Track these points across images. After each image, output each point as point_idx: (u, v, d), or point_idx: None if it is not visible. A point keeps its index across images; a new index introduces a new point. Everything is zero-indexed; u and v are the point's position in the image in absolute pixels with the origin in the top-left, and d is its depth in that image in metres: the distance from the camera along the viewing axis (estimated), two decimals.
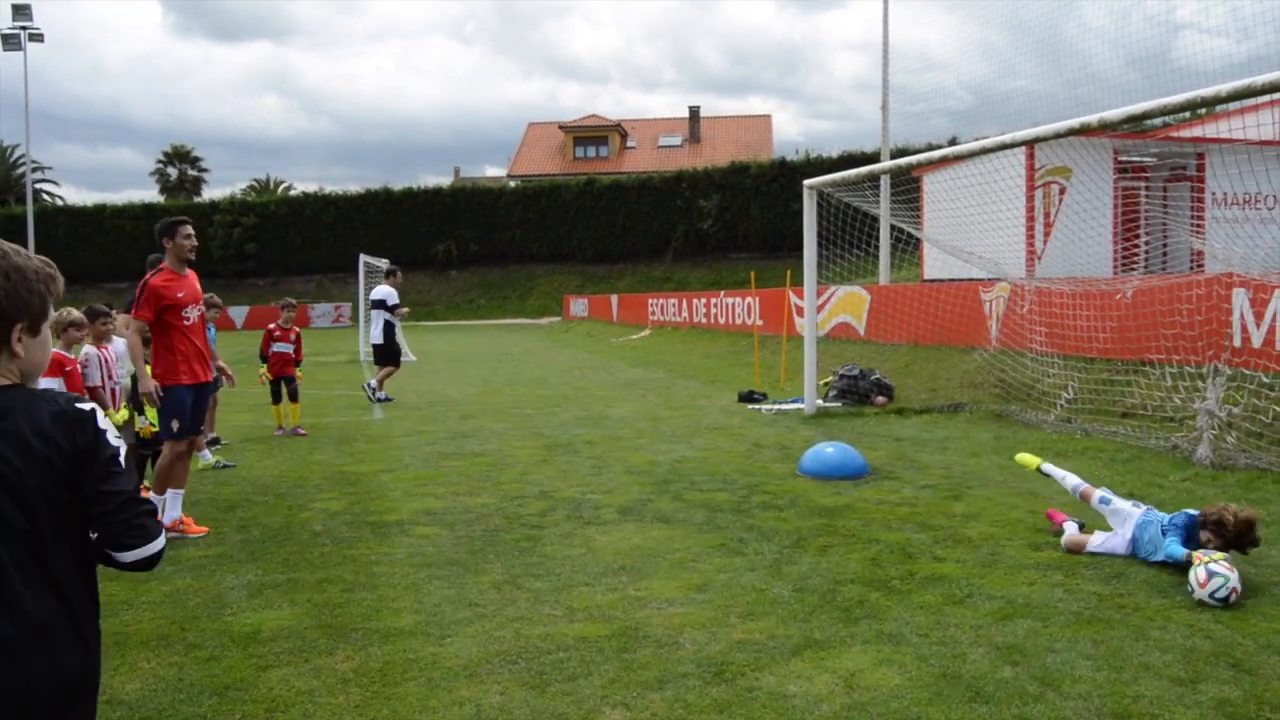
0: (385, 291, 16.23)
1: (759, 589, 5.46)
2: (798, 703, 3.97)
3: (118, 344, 8.28)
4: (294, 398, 12.32)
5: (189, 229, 7.09)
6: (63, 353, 7.56)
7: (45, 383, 7.34)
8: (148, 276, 6.95)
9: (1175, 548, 5.41)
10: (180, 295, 6.94)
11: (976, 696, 3.98)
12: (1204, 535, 5.44)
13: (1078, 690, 4.02)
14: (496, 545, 6.54)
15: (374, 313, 16.17)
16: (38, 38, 50.91)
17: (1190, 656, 4.33)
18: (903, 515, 7.13)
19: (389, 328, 15.90)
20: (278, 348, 12.29)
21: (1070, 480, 6.66)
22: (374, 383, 15.28)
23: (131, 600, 5.48)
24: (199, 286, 7.28)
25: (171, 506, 6.99)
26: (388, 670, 4.39)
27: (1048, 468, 6.97)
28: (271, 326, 12.44)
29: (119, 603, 5.43)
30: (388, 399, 15.43)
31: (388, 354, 15.84)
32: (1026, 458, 7.27)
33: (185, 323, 6.99)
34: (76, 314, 7.77)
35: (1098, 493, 6.30)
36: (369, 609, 5.25)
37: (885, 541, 6.39)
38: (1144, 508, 6.00)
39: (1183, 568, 5.30)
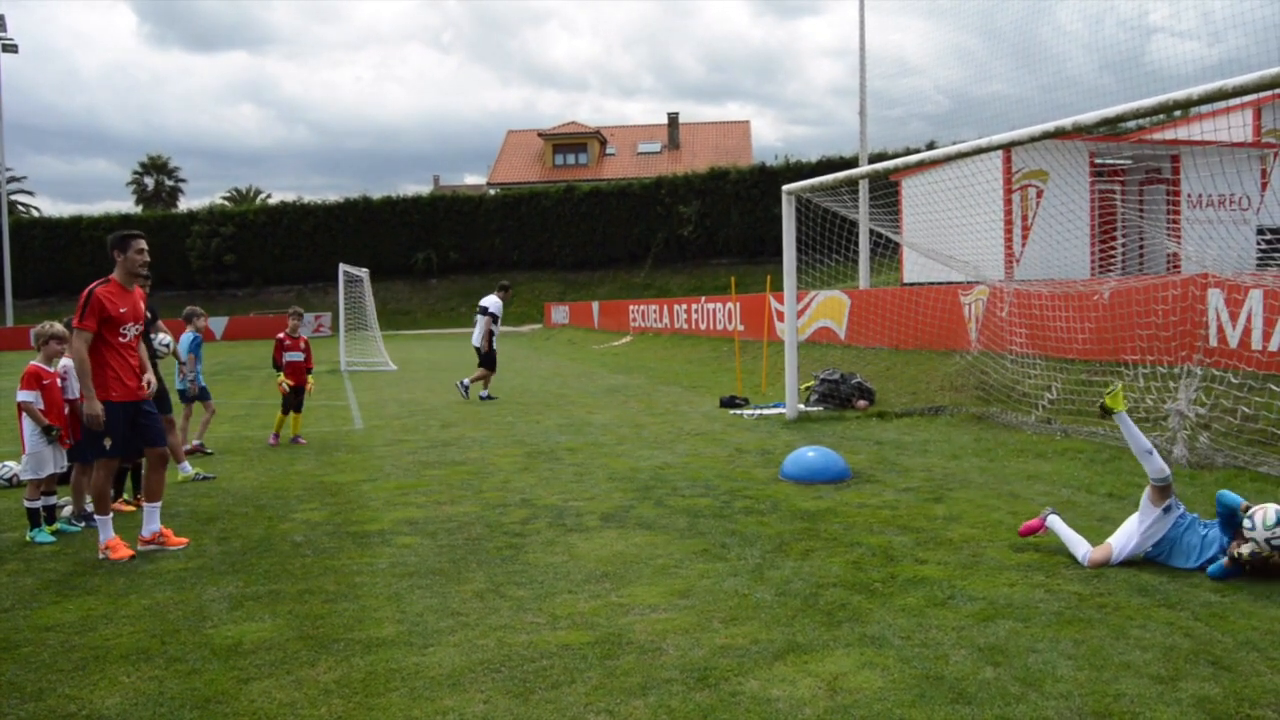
0: (493, 302, 17.18)
1: (741, 594, 5.46)
2: (781, 707, 3.98)
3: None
4: (297, 408, 12.41)
5: (142, 244, 6.87)
6: (42, 366, 7.49)
7: (24, 396, 7.32)
8: (94, 285, 6.73)
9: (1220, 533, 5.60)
10: (121, 311, 6.72)
11: (959, 698, 4.00)
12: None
13: (1059, 690, 4.04)
14: (478, 554, 6.52)
15: (478, 318, 17.08)
16: (12, 48, 50.56)
17: (1170, 655, 4.37)
18: (884, 518, 7.16)
19: (490, 335, 16.94)
20: (290, 356, 12.35)
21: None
22: (466, 381, 16.98)
23: (111, 614, 5.43)
24: (143, 306, 7.07)
25: (150, 519, 6.92)
26: (370, 681, 4.37)
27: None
28: (281, 335, 12.47)
29: (98, 617, 5.38)
30: (489, 397, 16.66)
31: (488, 358, 16.91)
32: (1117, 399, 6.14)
33: (121, 339, 6.76)
34: (58, 327, 7.71)
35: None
36: (351, 619, 5.22)
37: (867, 545, 6.41)
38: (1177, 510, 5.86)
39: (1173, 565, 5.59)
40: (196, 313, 11.71)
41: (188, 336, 11.30)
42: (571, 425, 13.10)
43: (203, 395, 11.46)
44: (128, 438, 6.81)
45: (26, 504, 7.35)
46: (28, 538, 7.27)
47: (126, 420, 6.75)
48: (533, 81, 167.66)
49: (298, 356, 12.40)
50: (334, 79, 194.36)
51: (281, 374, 12.35)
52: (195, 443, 11.33)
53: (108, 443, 6.70)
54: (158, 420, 7.07)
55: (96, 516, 6.87)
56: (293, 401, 12.33)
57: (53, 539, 7.26)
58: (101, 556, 6.65)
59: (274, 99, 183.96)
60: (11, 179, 70.84)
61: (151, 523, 6.92)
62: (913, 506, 7.53)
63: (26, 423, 7.39)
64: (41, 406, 7.37)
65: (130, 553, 6.69)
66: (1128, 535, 5.80)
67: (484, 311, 16.99)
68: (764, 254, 48.00)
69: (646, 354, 26.29)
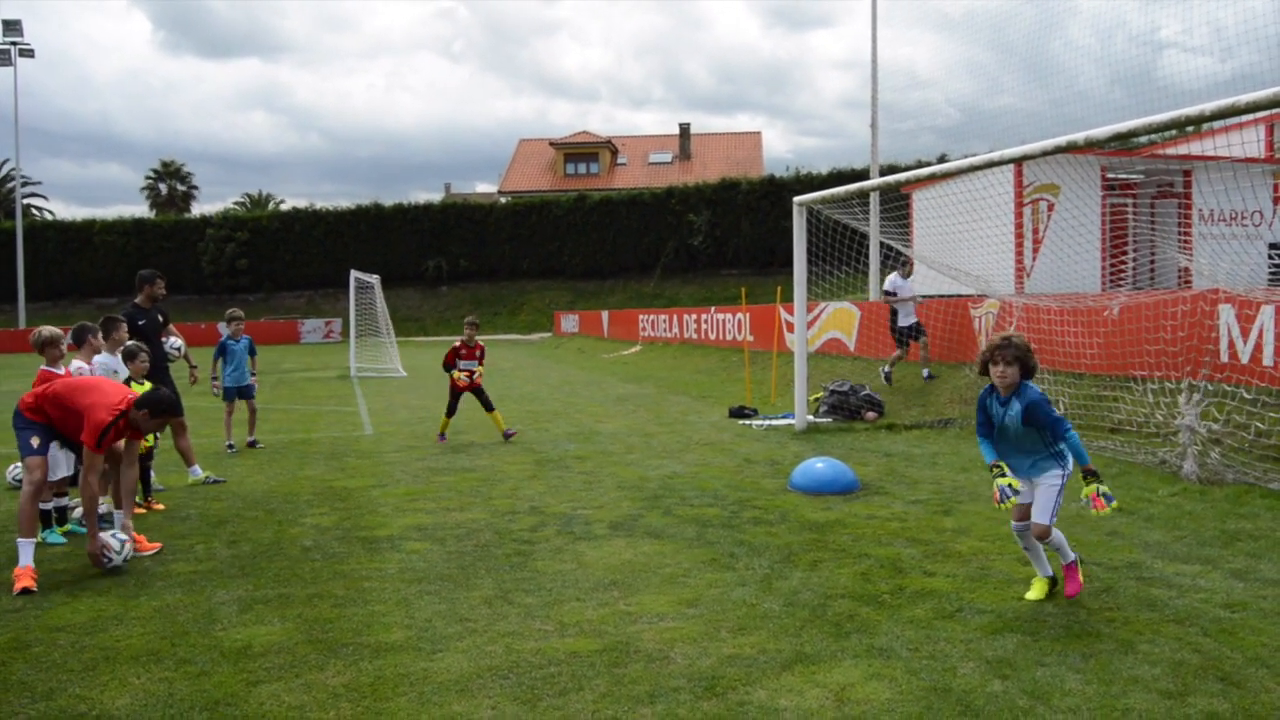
0: (891, 282, 15.61)
1: (750, 604, 5.47)
2: (789, 717, 3.98)
3: (98, 360, 8.26)
4: (489, 407, 12.69)
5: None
6: (50, 369, 7.54)
7: None
8: (119, 421, 6.48)
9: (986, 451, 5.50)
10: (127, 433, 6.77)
11: (966, 710, 4.00)
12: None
13: (1067, 704, 4.03)
14: (487, 560, 6.53)
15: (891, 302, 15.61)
16: (28, 53, 51.01)
17: (1179, 670, 4.36)
18: (893, 530, 7.16)
19: (894, 313, 15.51)
20: (464, 365, 12.58)
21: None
22: (888, 370, 15.35)
23: (121, 615, 5.46)
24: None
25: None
26: (378, 685, 4.38)
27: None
28: (458, 344, 12.72)
29: (109, 618, 5.41)
30: (931, 377, 15.15)
31: (904, 334, 15.33)
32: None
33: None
34: (55, 331, 7.76)
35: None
36: (360, 624, 5.24)
37: (875, 556, 6.41)
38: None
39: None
40: (235, 315, 12.53)
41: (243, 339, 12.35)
42: (581, 434, 13.12)
43: (244, 393, 12.29)
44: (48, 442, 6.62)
45: (39, 505, 7.38)
46: (39, 538, 7.31)
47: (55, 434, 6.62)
48: (544, 91, 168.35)
49: (472, 364, 12.62)
50: (346, 87, 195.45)
51: (456, 372, 12.60)
52: (250, 439, 12.32)
53: (35, 442, 6.51)
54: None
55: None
56: (456, 406, 12.65)
57: (64, 540, 7.30)
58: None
59: (286, 106, 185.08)
60: (26, 183, 71.32)
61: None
62: (921, 519, 7.52)
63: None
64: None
65: (156, 545, 6.99)
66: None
67: (890, 295, 15.38)
68: (774, 265, 48.00)
69: (656, 363, 26.30)
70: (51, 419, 6.58)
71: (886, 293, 15.65)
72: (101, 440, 6.36)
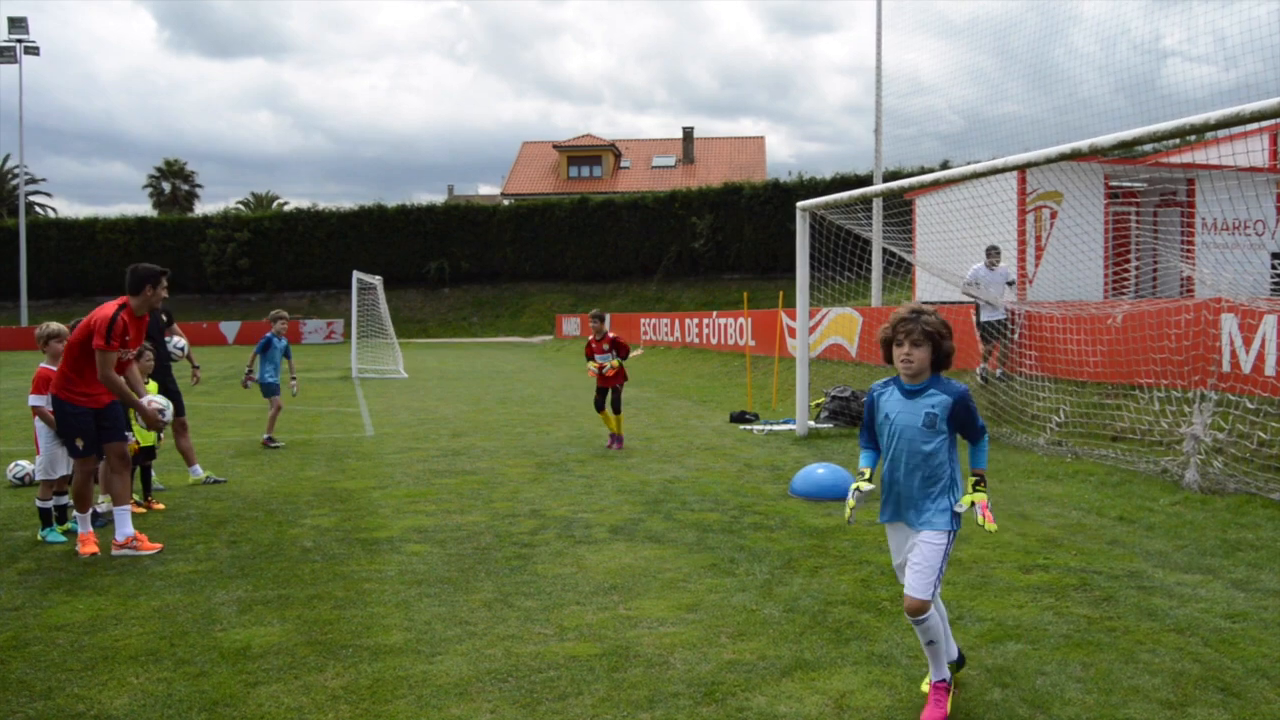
0: (974, 273, 14.31)
1: (750, 609, 5.46)
2: None
3: None
4: (616, 408, 12.15)
5: (165, 282, 7.19)
6: (49, 367, 7.55)
7: (35, 400, 7.39)
8: (118, 310, 6.83)
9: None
10: (128, 338, 6.94)
11: (967, 719, 3.99)
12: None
13: (1067, 713, 4.03)
14: (487, 563, 6.53)
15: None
16: (33, 51, 51.08)
17: (1179, 680, 4.35)
18: None
19: (976, 309, 14.22)
20: (600, 359, 12.19)
21: None
22: (985, 366, 13.98)
23: (120, 615, 5.45)
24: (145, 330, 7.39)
25: (120, 523, 6.96)
26: (378, 688, 4.38)
27: None
28: (590, 340, 12.33)
29: (108, 618, 5.41)
30: (987, 382, 13.78)
31: (986, 330, 14.01)
32: None
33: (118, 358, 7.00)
34: (59, 326, 7.77)
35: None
36: (359, 626, 5.23)
37: (876, 563, 6.40)
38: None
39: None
40: (279, 315, 12.98)
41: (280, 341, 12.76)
42: (581, 437, 13.11)
43: (268, 391, 12.72)
44: (97, 438, 7.06)
45: (39, 504, 7.40)
46: (39, 537, 7.32)
47: (94, 423, 7.02)
48: (547, 94, 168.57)
49: (606, 359, 12.17)
50: (350, 87, 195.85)
51: (590, 364, 12.28)
52: (264, 437, 12.61)
53: (80, 443, 6.96)
54: (120, 420, 7.23)
55: (75, 514, 7.07)
56: (604, 401, 12.20)
57: (64, 539, 7.30)
58: (127, 552, 6.84)
59: (290, 106, 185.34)
60: (30, 180, 71.42)
61: (123, 526, 6.95)
62: None
63: (39, 424, 7.45)
64: (52, 409, 7.42)
65: (157, 546, 7.02)
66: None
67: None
68: (776, 270, 48.02)
69: (657, 367, 26.30)
70: (84, 388, 6.95)
71: (967, 283, 14.29)
72: (110, 332, 6.69)
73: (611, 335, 12.31)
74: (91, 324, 6.76)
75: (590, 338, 12.32)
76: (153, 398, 7.18)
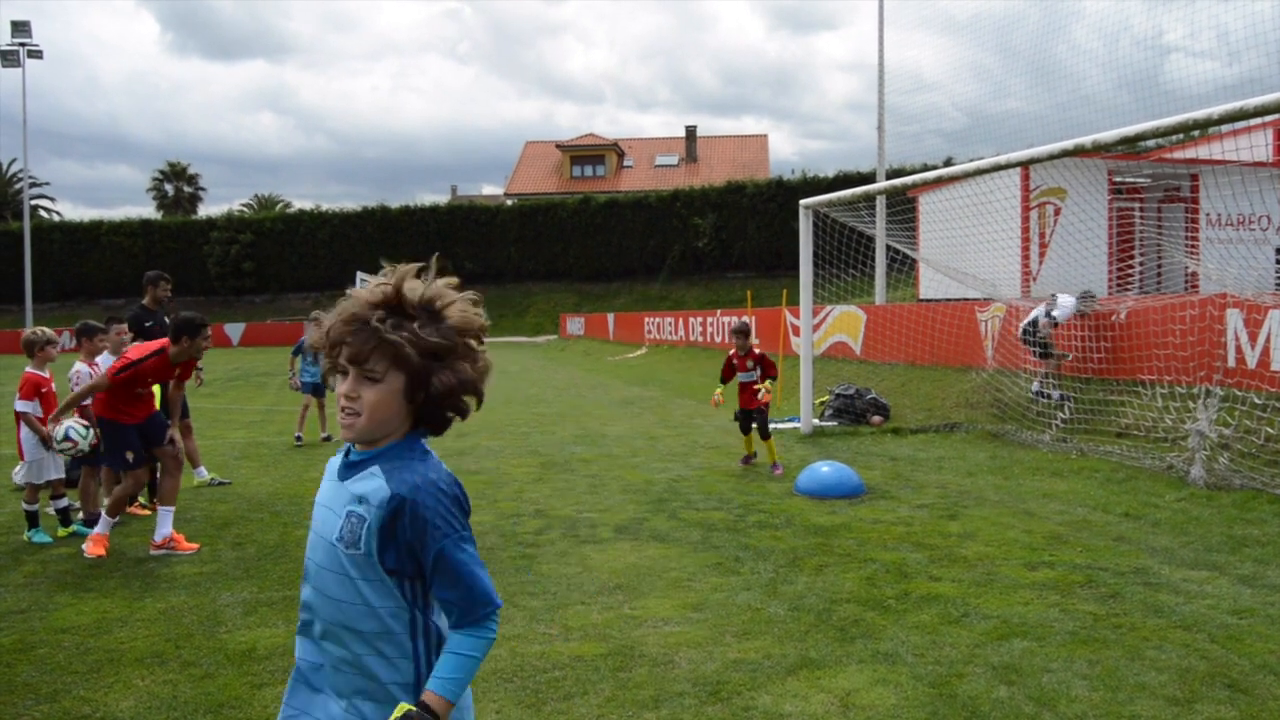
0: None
1: (755, 608, 5.45)
2: None
3: (101, 361, 8.26)
4: (764, 434, 10.29)
5: (209, 332, 7.31)
6: (38, 372, 7.54)
7: (22, 405, 7.39)
8: (147, 357, 6.98)
9: None
10: (149, 380, 7.16)
11: (972, 716, 3.98)
12: None
13: (1074, 710, 4.02)
14: (492, 563, 6.52)
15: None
16: (36, 54, 51.13)
17: (1186, 676, 4.34)
18: (898, 535, 7.14)
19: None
20: (742, 377, 10.44)
21: None
22: (1038, 384, 12.45)
23: (126, 617, 5.46)
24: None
25: (162, 523, 7.00)
26: None
27: None
28: (731, 354, 10.55)
29: (113, 620, 5.41)
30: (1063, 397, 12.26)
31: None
32: None
33: (138, 390, 7.16)
34: (49, 332, 7.76)
35: None
36: None
37: (881, 561, 6.39)
38: None
39: None
40: (316, 317, 12.71)
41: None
42: (586, 436, 13.11)
43: (318, 391, 12.94)
44: (143, 451, 7.24)
45: (25, 507, 7.44)
46: (25, 537, 7.36)
47: (139, 435, 7.20)
48: (549, 93, 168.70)
49: (750, 377, 10.37)
50: (352, 88, 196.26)
51: (722, 386, 10.66)
52: (323, 434, 13.06)
53: (130, 456, 7.09)
54: (162, 428, 7.37)
55: (105, 516, 7.06)
56: (750, 424, 10.44)
57: (49, 539, 7.34)
58: (165, 552, 6.91)
59: (293, 107, 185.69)
60: (34, 183, 71.55)
61: (164, 527, 6.99)
62: (927, 523, 7.50)
63: (24, 430, 7.45)
64: (40, 415, 7.43)
65: (195, 546, 7.08)
66: None
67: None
68: (780, 268, 47.95)
69: (661, 366, 26.29)
70: (126, 408, 7.12)
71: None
72: (122, 372, 6.87)
73: (758, 351, 10.54)
74: (127, 356, 7.07)
75: (731, 352, 10.56)
76: (71, 425, 6.98)
